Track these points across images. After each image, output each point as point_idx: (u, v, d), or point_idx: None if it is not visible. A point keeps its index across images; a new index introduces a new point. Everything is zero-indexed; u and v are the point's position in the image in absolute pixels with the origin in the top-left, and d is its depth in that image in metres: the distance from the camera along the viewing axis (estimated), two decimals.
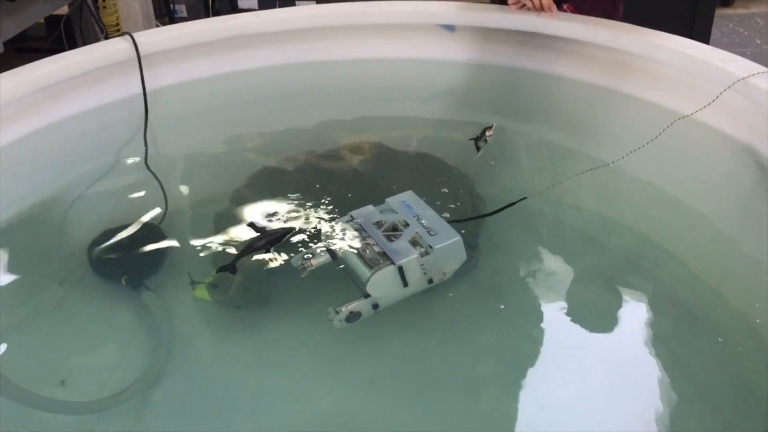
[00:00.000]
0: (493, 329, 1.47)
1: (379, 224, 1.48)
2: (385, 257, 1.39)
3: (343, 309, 1.35)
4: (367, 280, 1.36)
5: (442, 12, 2.32)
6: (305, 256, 1.43)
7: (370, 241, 1.44)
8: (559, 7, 2.23)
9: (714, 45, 2.15)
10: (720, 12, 4.54)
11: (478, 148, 1.72)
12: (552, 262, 1.64)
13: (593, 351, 1.43)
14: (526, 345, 1.43)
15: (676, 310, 1.51)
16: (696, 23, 3.25)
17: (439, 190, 1.72)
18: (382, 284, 1.37)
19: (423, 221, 1.47)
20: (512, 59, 2.26)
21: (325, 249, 1.46)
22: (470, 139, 1.73)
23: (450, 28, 2.31)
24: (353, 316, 1.37)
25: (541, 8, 2.15)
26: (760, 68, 1.78)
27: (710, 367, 1.37)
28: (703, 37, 3.22)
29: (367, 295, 1.37)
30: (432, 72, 2.35)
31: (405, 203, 1.52)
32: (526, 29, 2.20)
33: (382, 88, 2.34)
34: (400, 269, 1.38)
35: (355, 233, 1.47)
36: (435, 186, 1.74)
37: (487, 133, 1.71)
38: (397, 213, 1.50)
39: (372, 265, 1.38)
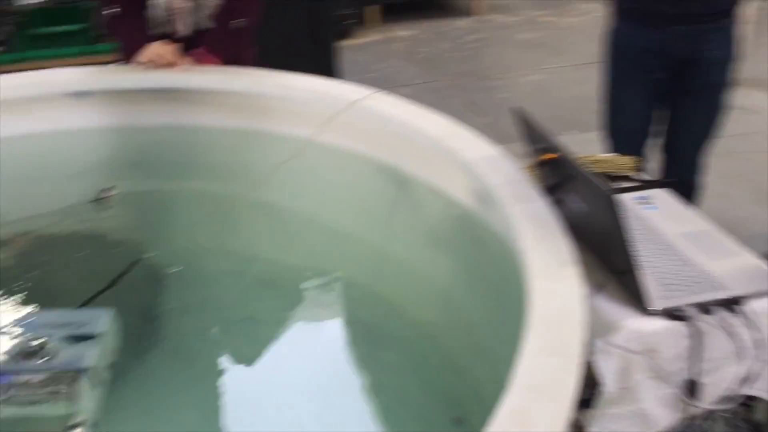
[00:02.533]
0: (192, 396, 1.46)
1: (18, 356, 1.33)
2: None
3: None
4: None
5: (73, 79, 2.22)
6: None
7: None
8: (194, 48, 2.27)
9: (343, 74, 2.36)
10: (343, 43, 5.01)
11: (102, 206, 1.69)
12: (234, 311, 1.67)
13: (295, 384, 1.49)
14: (227, 399, 1.44)
15: (363, 330, 1.64)
16: (321, 58, 3.54)
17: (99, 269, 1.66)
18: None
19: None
20: (156, 117, 2.24)
21: None
22: (90, 202, 1.70)
23: (83, 95, 2.22)
24: None
25: (169, 65, 2.17)
26: (370, 90, 2.01)
27: (400, 375, 1.52)
28: (329, 69, 3.53)
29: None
30: (73, 144, 2.23)
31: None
32: (165, 86, 2.20)
33: (23, 168, 2.16)
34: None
35: None
36: (95, 266, 1.67)
37: (105, 194, 1.68)
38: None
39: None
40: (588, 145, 3.46)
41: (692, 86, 2.23)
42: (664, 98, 2.30)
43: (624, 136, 2.38)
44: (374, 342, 1.60)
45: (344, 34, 5.09)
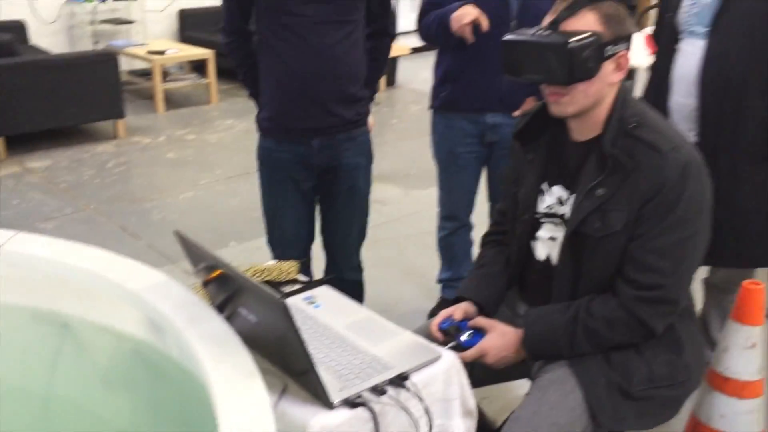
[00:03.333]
0: None
1: None
2: None
3: None
4: None
5: None
6: None
7: None
8: None
9: None
10: None
11: None
12: None
13: None
14: None
15: None
16: None
17: None
18: None
19: None
20: None
21: None
22: None
23: None
24: None
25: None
26: (10, 233, 1.85)
27: None
28: None
29: None
30: None
31: None
32: None
33: None
34: None
35: None
36: None
37: None
38: None
39: None
40: (255, 253, 3.59)
41: (336, 191, 2.46)
42: (320, 202, 2.51)
43: (286, 244, 2.52)
44: None
45: None
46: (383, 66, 2.55)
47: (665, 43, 2.34)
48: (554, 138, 1.79)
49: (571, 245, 1.71)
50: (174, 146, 5.43)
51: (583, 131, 1.71)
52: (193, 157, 5.19)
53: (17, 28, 6.26)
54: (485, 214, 2.77)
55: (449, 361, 1.52)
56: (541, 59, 1.58)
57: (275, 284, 1.73)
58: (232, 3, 2.35)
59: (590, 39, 1.56)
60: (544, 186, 1.80)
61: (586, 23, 1.58)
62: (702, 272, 2.51)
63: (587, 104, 1.64)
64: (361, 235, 2.61)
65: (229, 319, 1.44)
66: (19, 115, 5.01)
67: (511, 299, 1.94)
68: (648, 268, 1.62)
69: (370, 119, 2.52)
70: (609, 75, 1.63)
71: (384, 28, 2.45)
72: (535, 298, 1.85)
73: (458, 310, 1.83)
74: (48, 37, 6.69)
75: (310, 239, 2.57)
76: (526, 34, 1.61)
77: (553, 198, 1.78)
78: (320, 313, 1.64)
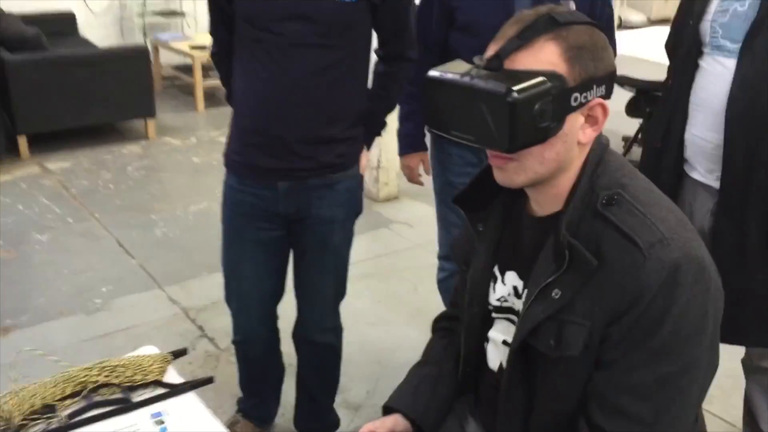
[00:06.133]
0: None
1: None
2: None
3: None
4: None
5: None
6: None
7: None
8: None
9: None
10: None
11: None
12: None
13: None
14: None
15: None
16: None
17: None
18: None
19: None
20: None
21: None
22: None
23: None
24: None
25: None
26: None
27: None
28: None
29: None
30: None
31: None
32: None
33: None
34: None
35: None
36: None
37: None
38: None
39: None
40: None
41: (306, 245, 2.03)
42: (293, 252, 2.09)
43: (243, 301, 2.11)
44: None
45: None
46: (394, 97, 2.06)
47: (684, 56, 1.82)
48: (508, 207, 1.30)
49: (520, 362, 1.22)
50: (202, 149, 5.12)
51: (542, 204, 1.21)
52: (219, 162, 4.84)
53: (66, 20, 6.09)
54: None
55: None
56: (474, 112, 1.07)
57: (132, 388, 1.32)
58: (215, 10, 1.95)
59: (546, 85, 1.05)
60: (496, 270, 1.31)
61: (544, 59, 1.08)
62: (739, 351, 1.97)
63: (544, 173, 1.14)
64: (338, 294, 2.16)
65: None
66: (44, 113, 4.80)
67: (461, 411, 1.46)
68: (619, 412, 1.10)
69: (363, 159, 2.03)
70: (576, 133, 1.12)
71: (400, 51, 1.97)
72: (487, 417, 1.37)
73: (382, 428, 1.37)
74: (97, 29, 6.51)
75: (276, 296, 2.14)
76: (458, 70, 1.11)
77: (507, 288, 1.29)
78: None
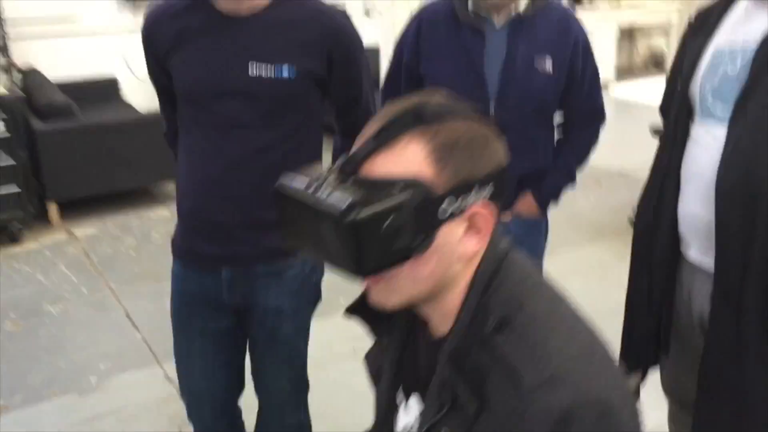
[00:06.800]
0: None
1: None
2: None
3: None
4: None
5: None
6: None
7: None
8: None
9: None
10: (7, 252, 4.39)
11: None
12: None
13: None
14: None
15: None
16: None
17: None
18: None
19: None
20: None
21: None
22: None
23: None
24: None
25: None
26: None
27: None
28: None
29: None
30: None
31: None
32: None
33: None
34: None
35: None
36: None
37: None
38: None
39: None
40: None
41: (255, 336, 1.86)
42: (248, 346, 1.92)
43: (195, 400, 1.94)
44: None
45: (11, 238, 4.48)
46: None
47: (674, 123, 1.59)
48: (408, 324, 1.10)
49: None
50: None
51: (435, 323, 1.00)
52: None
53: (108, 85, 6.21)
54: None
55: None
56: (320, 231, 0.88)
57: None
58: (159, 90, 1.85)
59: (400, 197, 0.86)
60: (401, 393, 1.11)
61: (406, 162, 0.89)
62: None
63: (419, 294, 0.94)
64: (298, 389, 1.96)
65: None
66: (74, 179, 4.83)
67: None
68: None
69: None
70: (455, 245, 0.92)
71: (358, 125, 1.81)
72: None
73: None
74: (140, 93, 6.60)
75: (232, 390, 1.96)
76: (305, 178, 0.92)
77: (411, 416, 1.08)
78: None
